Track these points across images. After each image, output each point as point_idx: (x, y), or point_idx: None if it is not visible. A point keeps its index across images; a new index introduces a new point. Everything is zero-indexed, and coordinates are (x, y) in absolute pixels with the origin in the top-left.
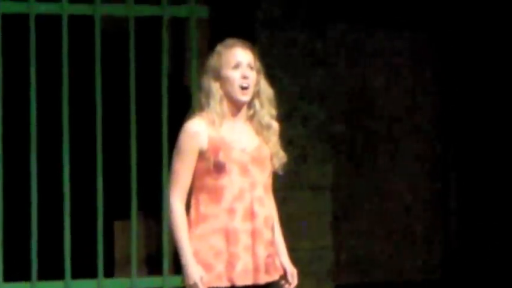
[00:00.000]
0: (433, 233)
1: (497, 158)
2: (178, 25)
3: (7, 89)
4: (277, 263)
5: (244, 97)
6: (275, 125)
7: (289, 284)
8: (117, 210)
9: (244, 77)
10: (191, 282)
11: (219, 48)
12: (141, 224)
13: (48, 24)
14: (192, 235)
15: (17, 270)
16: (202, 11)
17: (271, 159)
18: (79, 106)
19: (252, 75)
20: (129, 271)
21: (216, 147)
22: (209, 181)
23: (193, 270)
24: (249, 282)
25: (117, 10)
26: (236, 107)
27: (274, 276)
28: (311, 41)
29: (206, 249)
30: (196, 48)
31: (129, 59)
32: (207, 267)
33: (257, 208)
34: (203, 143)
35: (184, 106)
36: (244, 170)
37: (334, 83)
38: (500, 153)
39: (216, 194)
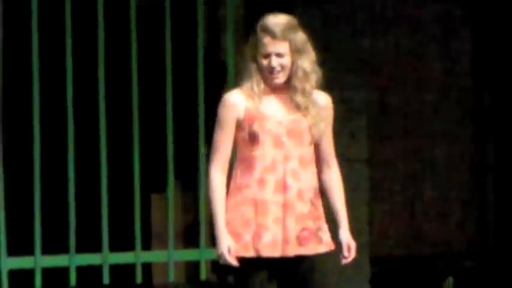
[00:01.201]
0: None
1: None
2: None
3: (44, 64)
4: (323, 236)
5: (277, 80)
6: (311, 99)
7: (345, 257)
8: (154, 183)
9: (273, 67)
10: (219, 252)
11: (258, 29)
12: (178, 196)
13: None
14: (228, 205)
15: (55, 243)
16: None
17: (310, 130)
18: (115, 80)
19: (284, 61)
20: (166, 244)
21: (252, 117)
22: (245, 152)
23: (223, 240)
24: (277, 254)
25: None
26: (272, 87)
27: (314, 250)
28: (350, 12)
29: (237, 218)
30: (232, 22)
31: (164, 33)
32: (236, 236)
33: (290, 181)
34: (240, 113)
35: (219, 79)
36: (278, 142)
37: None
38: None
39: (249, 165)
